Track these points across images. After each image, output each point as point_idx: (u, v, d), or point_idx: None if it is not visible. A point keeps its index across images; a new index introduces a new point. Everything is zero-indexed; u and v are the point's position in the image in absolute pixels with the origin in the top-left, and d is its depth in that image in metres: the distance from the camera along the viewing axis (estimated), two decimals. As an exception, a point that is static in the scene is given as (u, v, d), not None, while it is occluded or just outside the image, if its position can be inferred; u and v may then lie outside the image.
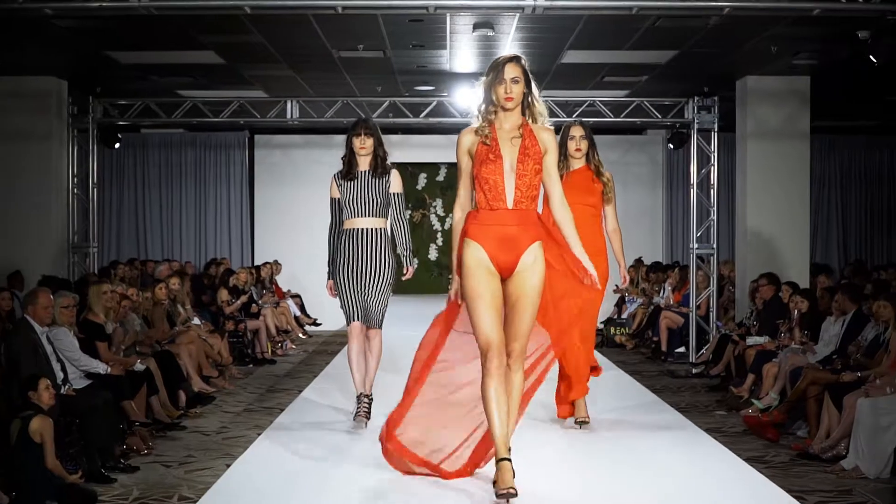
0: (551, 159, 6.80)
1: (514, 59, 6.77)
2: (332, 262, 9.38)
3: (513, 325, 6.68)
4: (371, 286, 9.18)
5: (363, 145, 9.13)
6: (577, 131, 9.13)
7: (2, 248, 15.08)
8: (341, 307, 9.36)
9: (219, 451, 9.46)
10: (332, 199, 9.35)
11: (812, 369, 10.26)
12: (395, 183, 9.27)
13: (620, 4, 8.76)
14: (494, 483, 6.52)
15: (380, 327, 9.35)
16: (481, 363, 6.60)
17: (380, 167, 9.18)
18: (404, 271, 9.54)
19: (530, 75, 6.78)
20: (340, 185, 9.22)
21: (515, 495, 6.38)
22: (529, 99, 6.79)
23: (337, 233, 9.36)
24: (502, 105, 6.70)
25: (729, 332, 14.01)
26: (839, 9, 8.50)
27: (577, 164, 9.15)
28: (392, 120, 16.86)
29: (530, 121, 6.80)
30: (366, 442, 8.48)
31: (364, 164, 9.20)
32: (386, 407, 8.53)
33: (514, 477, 6.45)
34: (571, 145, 9.08)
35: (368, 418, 9.22)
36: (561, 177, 8.01)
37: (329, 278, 9.44)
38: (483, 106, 6.80)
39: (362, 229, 9.16)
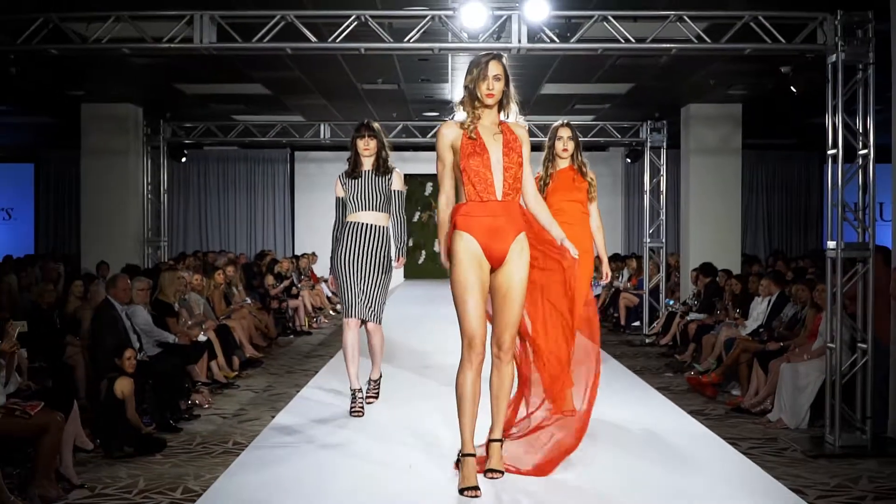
0: (526, 154, 5.83)
1: (497, 56, 5.84)
2: (334, 257, 8.01)
3: (503, 316, 5.66)
4: (371, 278, 7.81)
5: (367, 146, 7.88)
6: (564, 132, 7.73)
7: (91, 243, 15.07)
8: (340, 300, 8.07)
9: (266, 405, 9.41)
10: (336, 198, 8.04)
11: (743, 340, 10.22)
12: (397, 181, 7.97)
13: (588, 46, 8.68)
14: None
15: (379, 322, 7.95)
16: (462, 353, 5.61)
17: (382, 167, 7.91)
18: (395, 261, 8.02)
19: (509, 73, 5.84)
20: (345, 183, 7.94)
21: (479, 495, 5.46)
22: (507, 97, 5.83)
23: (340, 228, 8.03)
24: (484, 102, 5.74)
25: (675, 310, 13.98)
26: (766, 49, 8.43)
27: (563, 163, 7.71)
28: (405, 139, 16.92)
29: (504, 117, 5.85)
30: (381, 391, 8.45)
31: (368, 164, 7.93)
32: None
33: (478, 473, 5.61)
34: (559, 145, 7.68)
35: (362, 413, 7.89)
36: (549, 176, 7.56)
37: (331, 273, 8.20)
38: (467, 101, 5.82)
39: (365, 224, 7.85)
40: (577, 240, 6.82)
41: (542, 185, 7.47)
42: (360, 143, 7.89)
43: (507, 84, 5.79)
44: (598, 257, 7.79)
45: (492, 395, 5.75)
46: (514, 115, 5.89)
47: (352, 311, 7.82)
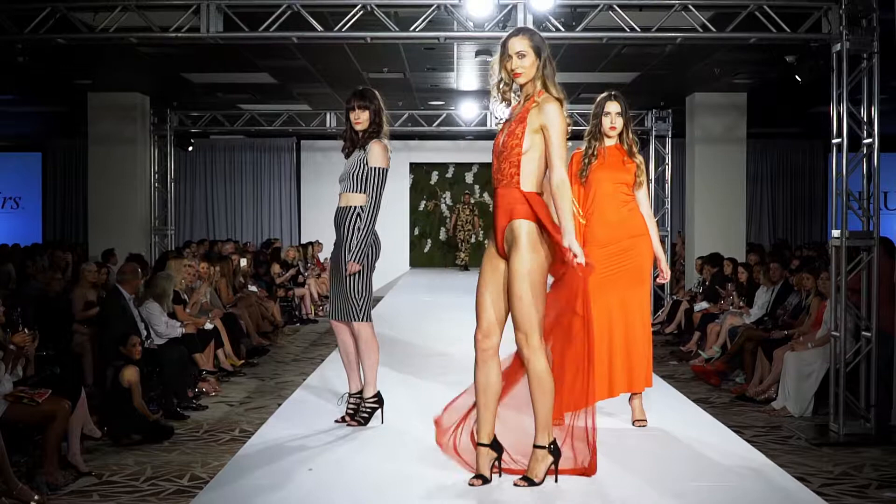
0: (551, 134, 5.01)
1: (520, 31, 5.14)
2: None
3: (511, 314, 5.03)
4: (345, 272, 6.39)
5: (358, 119, 6.43)
6: (612, 107, 6.46)
7: (98, 231, 15.08)
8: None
9: (272, 393, 9.46)
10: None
11: (748, 328, 10.24)
12: (374, 156, 6.37)
13: (593, 35, 8.67)
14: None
15: (363, 320, 6.43)
16: None
17: (360, 140, 6.46)
18: (346, 266, 6.39)
19: (543, 47, 5.09)
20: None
21: (478, 484, 5.11)
22: (539, 71, 5.08)
23: None
24: (516, 81, 5.09)
25: (680, 299, 13.98)
26: (771, 38, 8.41)
27: (610, 141, 6.47)
28: (410, 128, 16.98)
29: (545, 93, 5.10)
30: (388, 381, 8.42)
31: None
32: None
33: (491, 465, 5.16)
34: (606, 122, 6.44)
35: (361, 422, 6.61)
36: (594, 154, 6.45)
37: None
38: (500, 84, 5.17)
39: (340, 208, 6.49)
40: (624, 223, 6.35)
41: (586, 163, 6.47)
42: (352, 116, 6.51)
43: (538, 57, 5.07)
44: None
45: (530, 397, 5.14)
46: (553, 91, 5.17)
47: (332, 313, 6.58)
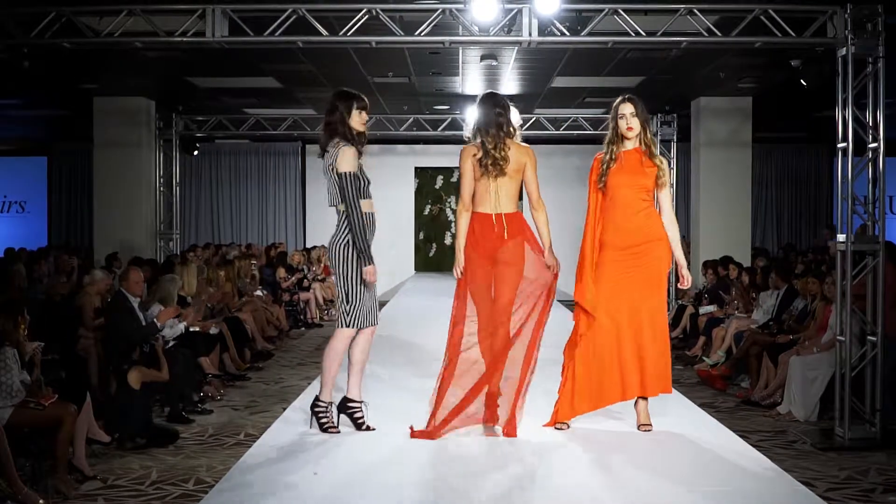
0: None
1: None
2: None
3: None
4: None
5: (365, 122, 6.57)
6: (626, 108, 6.39)
7: (104, 235, 15.11)
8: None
9: (277, 397, 9.46)
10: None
11: (753, 333, 10.23)
12: (340, 160, 6.19)
13: (598, 40, 8.67)
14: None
15: (339, 326, 6.39)
16: None
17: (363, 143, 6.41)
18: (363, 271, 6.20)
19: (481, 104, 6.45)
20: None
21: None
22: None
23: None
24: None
25: (685, 303, 13.97)
26: (776, 42, 8.42)
27: (630, 144, 6.34)
28: (415, 133, 17.02)
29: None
30: (390, 384, 8.43)
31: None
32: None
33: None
34: (622, 124, 6.34)
35: (367, 424, 6.63)
36: (613, 158, 6.35)
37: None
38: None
39: (372, 214, 6.35)
40: (640, 229, 6.24)
41: (605, 169, 6.35)
42: (362, 118, 6.52)
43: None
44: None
45: None
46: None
47: (375, 317, 6.48)
